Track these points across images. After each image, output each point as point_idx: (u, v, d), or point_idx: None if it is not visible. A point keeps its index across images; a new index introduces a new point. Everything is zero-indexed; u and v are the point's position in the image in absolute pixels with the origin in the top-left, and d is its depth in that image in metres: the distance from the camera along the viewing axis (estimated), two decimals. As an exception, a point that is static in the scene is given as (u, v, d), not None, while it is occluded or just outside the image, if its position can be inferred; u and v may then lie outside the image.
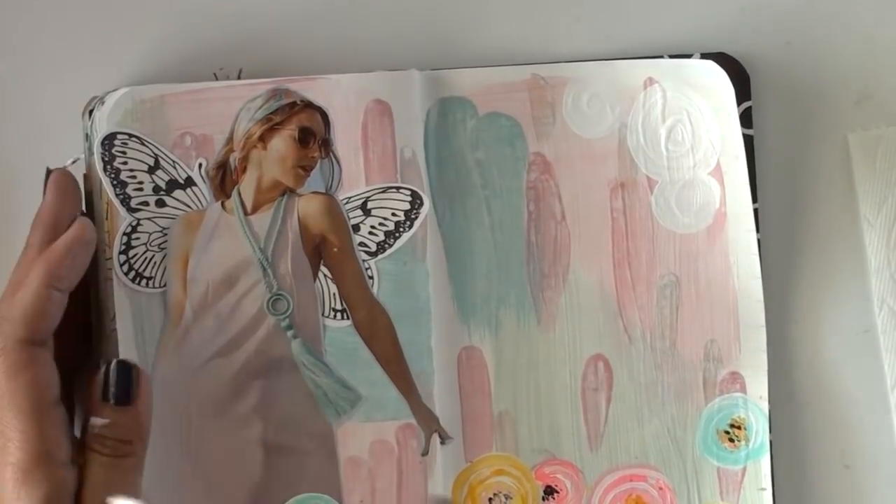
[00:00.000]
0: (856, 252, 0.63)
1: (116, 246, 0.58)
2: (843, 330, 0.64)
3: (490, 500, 0.61)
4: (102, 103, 0.59)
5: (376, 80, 0.60)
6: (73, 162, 0.60)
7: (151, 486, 0.57)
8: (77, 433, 0.54)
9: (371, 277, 0.60)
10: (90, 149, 0.59)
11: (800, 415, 0.63)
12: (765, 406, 0.61)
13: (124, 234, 0.59)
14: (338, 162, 0.60)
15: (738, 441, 0.61)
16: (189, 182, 0.59)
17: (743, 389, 0.61)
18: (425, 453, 0.60)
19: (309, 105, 0.60)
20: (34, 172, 0.61)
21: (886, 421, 0.63)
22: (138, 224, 0.59)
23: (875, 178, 0.63)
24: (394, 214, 0.60)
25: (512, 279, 0.61)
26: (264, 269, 0.59)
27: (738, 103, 0.61)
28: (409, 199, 0.60)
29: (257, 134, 0.59)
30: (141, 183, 0.59)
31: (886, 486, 0.63)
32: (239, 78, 0.62)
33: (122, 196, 0.59)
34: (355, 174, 0.60)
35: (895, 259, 0.62)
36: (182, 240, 0.59)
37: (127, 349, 0.58)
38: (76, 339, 0.57)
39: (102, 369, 0.54)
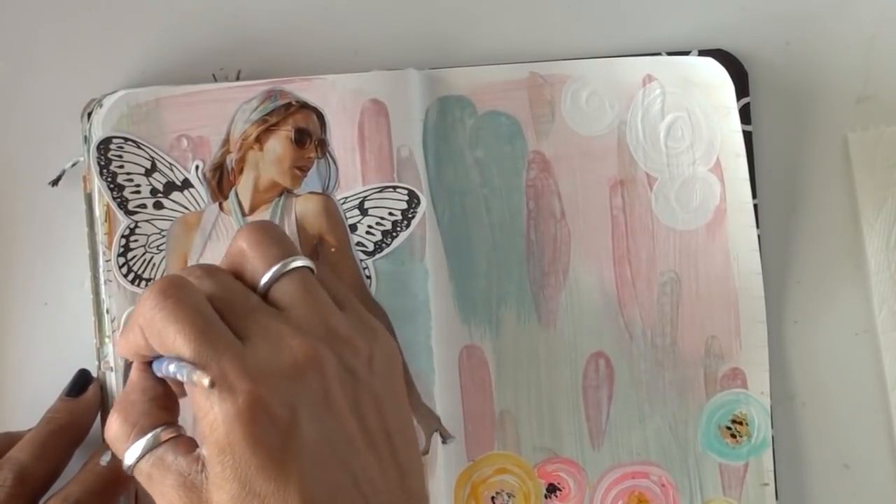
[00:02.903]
0: (856, 251, 0.63)
1: (115, 248, 0.59)
2: (843, 330, 0.63)
3: (493, 498, 0.61)
4: (100, 106, 0.59)
5: (372, 80, 0.60)
6: (73, 165, 0.60)
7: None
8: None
9: (368, 277, 0.60)
10: (89, 151, 0.59)
11: (799, 414, 0.63)
12: (766, 401, 0.61)
13: (122, 236, 0.59)
14: (334, 162, 0.60)
15: (740, 436, 0.61)
16: (186, 184, 0.60)
17: (744, 385, 0.61)
18: (426, 452, 0.60)
19: (305, 106, 0.60)
20: (34, 173, 0.61)
21: (886, 421, 0.63)
22: (136, 226, 0.59)
23: (875, 177, 0.62)
24: (391, 214, 0.60)
25: (512, 278, 0.61)
26: (263, 270, 0.59)
27: (737, 99, 0.61)
28: (406, 198, 0.60)
29: (253, 135, 0.60)
30: (138, 186, 0.59)
31: (886, 485, 0.63)
32: (238, 79, 0.62)
33: (119, 199, 0.59)
34: (352, 174, 0.60)
35: (895, 259, 0.62)
36: (180, 241, 0.60)
37: (127, 350, 0.59)
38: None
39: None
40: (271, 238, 0.50)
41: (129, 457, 0.47)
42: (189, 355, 0.45)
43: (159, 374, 0.48)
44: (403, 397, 0.52)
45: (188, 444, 0.47)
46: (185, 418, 0.49)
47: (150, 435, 0.47)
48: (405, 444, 0.50)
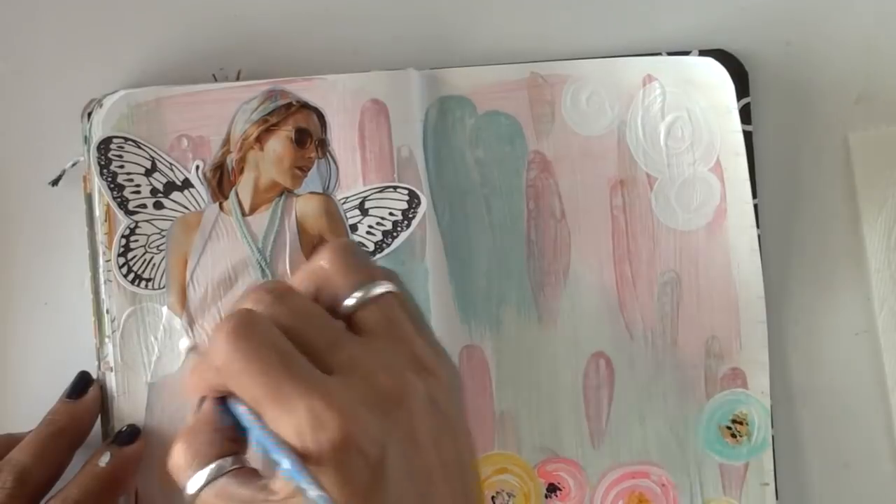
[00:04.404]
0: (856, 251, 0.63)
1: (115, 248, 0.59)
2: (843, 330, 0.63)
3: (493, 498, 0.61)
4: (100, 106, 0.59)
5: (373, 80, 0.60)
6: (73, 165, 0.60)
7: (150, 486, 0.57)
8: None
9: (369, 277, 0.60)
10: (89, 151, 0.59)
11: (800, 414, 0.63)
12: (767, 401, 0.61)
13: (123, 236, 0.59)
14: (335, 162, 0.60)
15: (740, 436, 0.61)
16: (186, 184, 0.60)
17: (744, 385, 0.61)
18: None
19: (305, 106, 0.60)
20: (34, 173, 0.61)
21: (886, 421, 0.63)
22: (136, 226, 0.59)
23: (875, 177, 0.62)
24: (391, 214, 0.60)
25: (512, 278, 0.61)
26: (262, 270, 0.59)
27: (737, 99, 0.61)
28: (407, 198, 0.60)
29: (254, 135, 0.60)
30: (138, 186, 0.59)
31: (886, 485, 0.63)
32: (238, 79, 0.62)
33: (119, 199, 0.59)
34: (352, 174, 0.60)
35: (895, 259, 0.62)
36: (180, 241, 0.59)
37: (127, 351, 0.59)
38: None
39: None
40: (355, 261, 0.49)
41: (192, 486, 0.45)
42: (274, 400, 0.44)
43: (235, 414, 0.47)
44: (468, 425, 0.50)
45: (252, 475, 0.45)
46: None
47: (213, 465, 0.45)
48: (474, 476, 0.49)
